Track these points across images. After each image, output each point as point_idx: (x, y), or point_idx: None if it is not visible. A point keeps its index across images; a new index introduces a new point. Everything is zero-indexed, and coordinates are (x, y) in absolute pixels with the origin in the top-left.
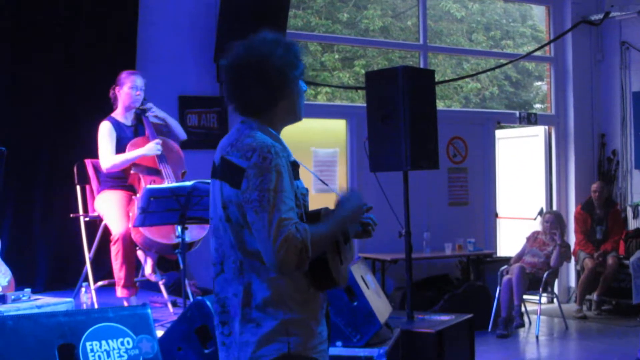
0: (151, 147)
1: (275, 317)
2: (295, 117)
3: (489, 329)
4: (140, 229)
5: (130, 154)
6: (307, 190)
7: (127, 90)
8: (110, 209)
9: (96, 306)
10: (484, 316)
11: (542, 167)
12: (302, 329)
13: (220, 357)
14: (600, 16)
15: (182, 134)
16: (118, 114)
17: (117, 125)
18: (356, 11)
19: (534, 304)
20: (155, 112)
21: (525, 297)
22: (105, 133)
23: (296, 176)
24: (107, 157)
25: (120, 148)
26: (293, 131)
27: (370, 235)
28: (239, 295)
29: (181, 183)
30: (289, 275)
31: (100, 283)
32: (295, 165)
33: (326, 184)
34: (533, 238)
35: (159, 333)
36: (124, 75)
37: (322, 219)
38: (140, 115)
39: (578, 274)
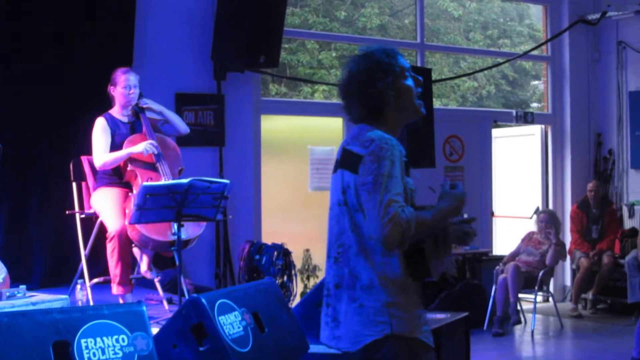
0: (141, 146)
1: (379, 298)
2: (411, 114)
3: (485, 328)
4: (136, 226)
5: (120, 152)
6: (415, 187)
7: (121, 90)
8: (106, 206)
9: (91, 303)
10: (480, 314)
11: (538, 166)
12: (403, 312)
13: (323, 336)
14: (597, 16)
15: (184, 127)
16: (115, 111)
17: (112, 121)
18: (354, 9)
19: (530, 302)
20: (149, 105)
21: (520, 295)
22: (99, 130)
23: (407, 173)
24: (99, 155)
25: (115, 144)
26: (290, 129)
27: (467, 244)
28: (345, 277)
29: (178, 180)
30: (392, 254)
31: (95, 280)
32: (406, 163)
33: (433, 190)
34: (528, 238)
35: (155, 330)
36: (117, 74)
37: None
38: (137, 112)
39: (573, 272)
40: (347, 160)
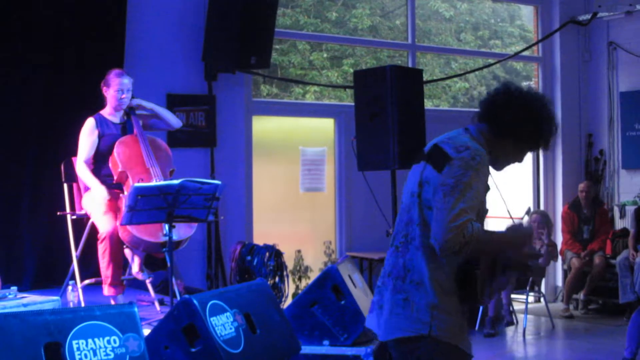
0: (99, 194)
1: (426, 297)
2: (497, 163)
3: (476, 328)
4: (128, 227)
5: (92, 181)
6: (487, 210)
7: (113, 92)
8: (98, 207)
9: (83, 304)
10: (472, 315)
11: (529, 167)
12: (447, 316)
13: (368, 321)
14: (588, 16)
15: (175, 121)
16: (106, 111)
17: (102, 121)
18: (345, 10)
19: (521, 303)
20: (140, 103)
21: (512, 296)
22: (85, 132)
23: (487, 192)
24: (80, 161)
25: (104, 144)
26: (281, 130)
27: (526, 277)
28: (398, 267)
29: (169, 181)
30: (447, 259)
31: (87, 281)
32: (488, 187)
33: (511, 218)
34: None
35: (146, 332)
36: (110, 76)
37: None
38: (129, 112)
39: (565, 273)
40: (435, 157)
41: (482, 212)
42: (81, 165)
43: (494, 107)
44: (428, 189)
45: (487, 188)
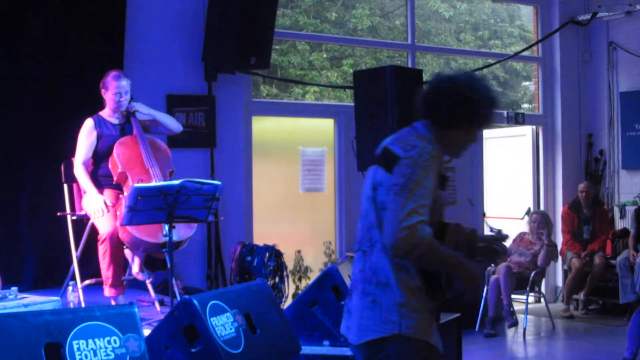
0: (95, 203)
1: (393, 297)
2: (455, 151)
3: (477, 329)
4: (128, 227)
5: (85, 184)
6: (444, 205)
7: (111, 95)
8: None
9: (83, 305)
10: (472, 316)
11: (529, 167)
12: (415, 314)
13: (342, 326)
14: (588, 16)
15: (176, 126)
16: (105, 113)
17: (100, 122)
18: (344, 10)
19: (521, 303)
20: (137, 109)
21: (512, 296)
22: (84, 133)
23: (442, 187)
24: (78, 163)
25: (103, 145)
26: (281, 130)
27: (495, 262)
28: (364, 271)
29: (169, 182)
30: (405, 260)
31: (87, 282)
32: (444, 178)
33: (472, 202)
34: (519, 238)
35: (146, 332)
36: (108, 78)
37: (448, 233)
38: (128, 114)
39: (565, 273)
40: (384, 159)
41: (438, 208)
42: (78, 167)
43: (428, 104)
44: (381, 190)
45: (443, 181)
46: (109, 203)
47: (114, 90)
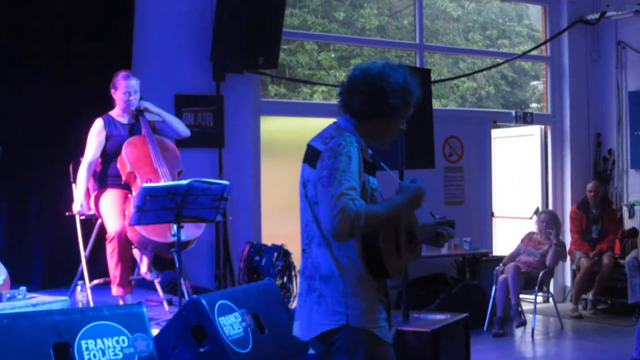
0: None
1: (337, 288)
2: (380, 141)
3: (485, 328)
4: (136, 227)
5: (80, 184)
6: (377, 187)
7: (121, 95)
8: (106, 208)
9: (92, 304)
10: (480, 315)
11: (538, 167)
12: (360, 303)
13: (293, 327)
14: (597, 16)
15: (184, 130)
16: (115, 112)
17: (110, 122)
18: (352, 10)
19: (530, 303)
20: (147, 107)
21: (520, 296)
22: (93, 133)
23: (371, 173)
24: (85, 161)
25: (112, 145)
26: (289, 130)
27: (441, 245)
28: (309, 267)
29: (177, 182)
30: (350, 246)
31: (95, 281)
32: (372, 164)
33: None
34: (528, 238)
35: (155, 331)
36: (118, 78)
37: None
38: (137, 114)
39: (574, 273)
40: (308, 156)
41: (369, 194)
42: (84, 166)
43: (343, 97)
44: (310, 186)
45: (372, 168)
46: (108, 205)
47: (124, 89)
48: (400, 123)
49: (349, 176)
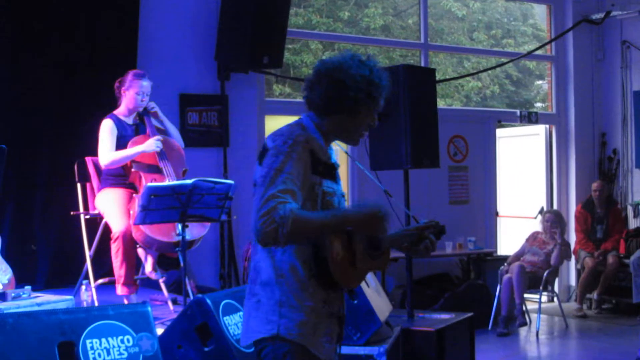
0: (150, 144)
1: (272, 296)
2: (347, 138)
3: (490, 328)
4: (141, 226)
5: (130, 150)
6: (335, 191)
7: (133, 94)
8: (111, 207)
9: (96, 304)
10: (485, 315)
11: (542, 166)
12: (295, 314)
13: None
14: (601, 15)
15: (180, 142)
16: (120, 112)
17: (119, 123)
18: (357, 9)
19: (534, 302)
20: (157, 110)
21: (525, 295)
22: (107, 131)
23: (329, 177)
24: (106, 153)
25: (121, 146)
26: None
27: (422, 256)
28: (251, 271)
29: (182, 181)
30: (291, 252)
31: (100, 281)
32: (332, 167)
33: (389, 195)
34: (533, 238)
35: (159, 331)
36: (130, 77)
37: None
38: (142, 114)
39: (578, 272)
40: (259, 154)
41: (321, 196)
42: (110, 155)
43: (307, 91)
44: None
45: (329, 170)
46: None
47: (137, 89)
48: (369, 119)
49: (286, 177)
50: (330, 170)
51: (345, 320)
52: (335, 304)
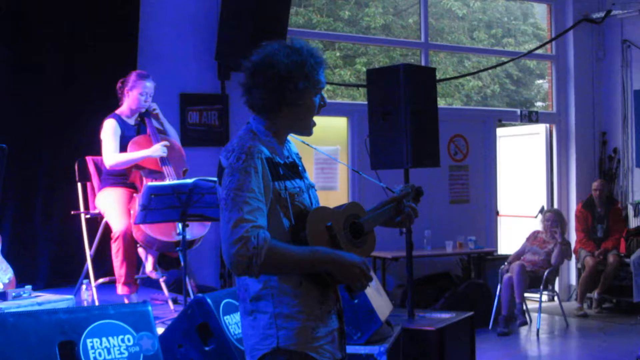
0: (157, 149)
1: (266, 311)
2: (300, 129)
3: (490, 327)
4: (141, 226)
5: (136, 154)
6: (301, 188)
7: (137, 95)
8: (111, 206)
9: (97, 303)
10: (485, 314)
11: (543, 165)
12: (291, 323)
13: None
14: (602, 14)
15: (178, 143)
16: (123, 112)
17: (122, 123)
18: (357, 9)
19: (535, 302)
20: (158, 112)
21: (526, 295)
22: (110, 131)
23: (291, 176)
24: (111, 155)
25: (122, 146)
26: None
27: (407, 226)
28: (240, 289)
29: (182, 180)
30: (249, 276)
31: (101, 280)
32: (292, 165)
33: (389, 189)
34: (533, 237)
35: (160, 330)
36: (134, 77)
37: (308, 222)
38: (143, 114)
39: (579, 272)
40: (217, 173)
41: (288, 201)
42: (115, 157)
43: (245, 97)
44: None
45: (290, 170)
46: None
47: (141, 90)
48: (315, 99)
49: (248, 196)
50: (291, 169)
51: (344, 314)
52: (330, 300)
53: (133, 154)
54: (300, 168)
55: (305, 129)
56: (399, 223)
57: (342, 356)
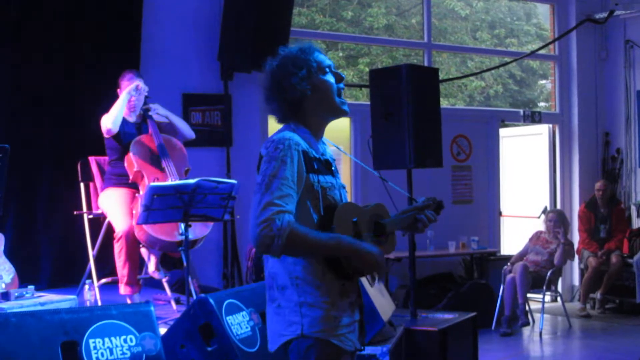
0: (130, 88)
1: (291, 299)
2: (329, 111)
3: (493, 328)
4: (144, 226)
5: (120, 100)
6: (334, 185)
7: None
8: (114, 207)
9: (99, 303)
10: (488, 314)
11: (546, 166)
12: (315, 312)
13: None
14: (605, 15)
15: (189, 133)
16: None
17: (121, 120)
18: (360, 9)
19: (538, 302)
20: (157, 111)
21: (528, 295)
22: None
23: (326, 172)
24: (104, 119)
25: (125, 141)
26: None
27: (420, 231)
28: (267, 278)
29: (185, 180)
30: (270, 255)
31: (103, 280)
32: (327, 162)
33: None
34: (536, 237)
35: (162, 330)
36: (123, 79)
37: (337, 215)
38: (144, 114)
39: (582, 272)
40: (258, 164)
41: (319, 194)
42: (107, 118)
43: (269, 108)
44: None
45: (323, 166)
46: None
47: (128, 87)
48: (324, 77)
49: (280, 183)
50: (326, 165)
51: (364, 309)
52: (352, 293)
53: (116, 104)
54: (333, 168)
55: (334, 109)
56: (416, 229)
57: (362, 348)
